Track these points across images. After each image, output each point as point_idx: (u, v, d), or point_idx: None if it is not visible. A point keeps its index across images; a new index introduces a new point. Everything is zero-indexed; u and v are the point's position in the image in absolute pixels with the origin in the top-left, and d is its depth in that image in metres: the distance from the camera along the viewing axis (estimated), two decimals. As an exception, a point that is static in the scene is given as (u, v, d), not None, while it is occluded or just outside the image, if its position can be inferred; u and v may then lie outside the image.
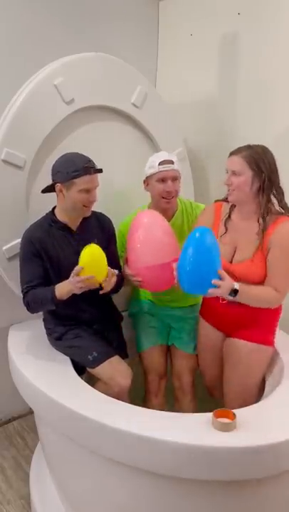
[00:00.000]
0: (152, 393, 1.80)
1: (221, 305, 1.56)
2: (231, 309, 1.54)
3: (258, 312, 1.51)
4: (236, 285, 1.38)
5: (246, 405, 1.42)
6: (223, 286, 1.36)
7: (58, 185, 1.50)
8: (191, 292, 1.46)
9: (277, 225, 1.42)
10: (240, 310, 1.51)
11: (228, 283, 1.37)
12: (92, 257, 1.43)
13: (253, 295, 1.44)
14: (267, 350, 1.56)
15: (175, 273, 1.46)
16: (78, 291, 1.44)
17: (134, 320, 1.94)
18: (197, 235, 1.37)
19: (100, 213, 1.69)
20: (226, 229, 1.54)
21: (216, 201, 1.64)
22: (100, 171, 1.51)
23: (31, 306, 1.53)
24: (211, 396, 1.82)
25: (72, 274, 1.42)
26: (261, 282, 1.46)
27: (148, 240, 1.58)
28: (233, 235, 1.52)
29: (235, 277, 1.44)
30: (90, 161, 1.50)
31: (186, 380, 1.81)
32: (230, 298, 1.39)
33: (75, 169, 1.46)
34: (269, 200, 1.44)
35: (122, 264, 1.71)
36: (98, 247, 1.44)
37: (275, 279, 1.43)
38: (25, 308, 1.54)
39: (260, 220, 1.45)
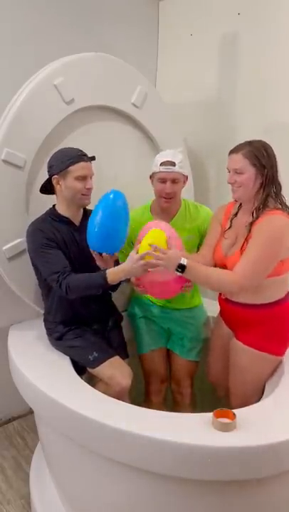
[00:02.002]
0: (152, 394, 1.80)
1: (222, 300, 1.57)
2: (231, 306, 1.53)
3: (264, 316, 1.48)
4: (184, 261, 1.40)
5: (247, 404, 1.42)
6: (166, 260, 1.40)
7: (55, 178, 1.53)
8: (99, 249, 1.51)
9: (265, 217, 1.40)
10: (240, 309, 1.50)
11: (173, 257, 1.40)
12: (156, 233, 1.47)
13: (203, 275, 1.45)
14: (272, 360, 1.51)
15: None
16: (139, 271, 1.42)
17: (133, 321, 1.94)
18: (111, 196, 1.47)
19: None
20: (231, 225, 1.55)
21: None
22: (93, 158, 1.55)
23: (72, 289, 1.45)
24: (215, 392, 1.80)
25: (132, 254, 1.42)
26: None
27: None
28: (235, 230, 1.53)
29: (229, 270, 1.45)
30: (81, 150, 1.54)
31: (185, 384, 1.82)
32: (178, 273, 1.41)
33: (69, 157, 1.50)
34: (268, 195, 1.43)
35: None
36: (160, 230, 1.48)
37: (240, 263, 1.40)
38: (25, 308, 1.54)
39: (254, 213, 1.43)
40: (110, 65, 1.86)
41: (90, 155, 1.55)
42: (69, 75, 1.71)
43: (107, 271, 1.44)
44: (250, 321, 1.50)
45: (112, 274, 1.43)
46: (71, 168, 1.50)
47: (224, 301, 1.57)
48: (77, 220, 1.62)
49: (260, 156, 1.40)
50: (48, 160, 1.57)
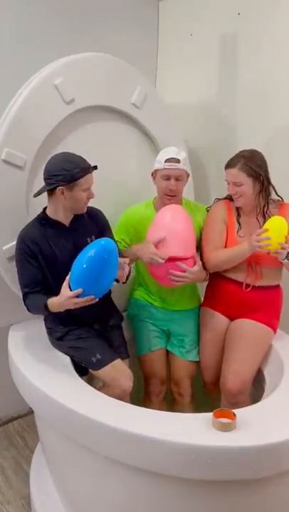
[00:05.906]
0: (152, 394, 1.80)
1: (237, 289, 1.70)
2: (253, 292, 1.68)
3: (268, 296, 1.71)
4: None
5: (244, 385, 1.54)
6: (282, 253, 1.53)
7: (61, 189, 1.48)
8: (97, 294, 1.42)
9: (284, 211, 1.65)
10: (261, 292, 1.69)
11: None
12: (282, 223, 1.53)
13: None
14: (271, 334, 1.68)
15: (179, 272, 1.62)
16: (70, 305, 1.41)
17: (132, 322, 1.93)
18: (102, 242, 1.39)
19: (90, 207, 1.68)
20: (240, 224, 1.71)
21: (224, 199, 1.78)
22: (95, 167, 1.53)
23: (31, 310, 1.55)
24: (208, 390, 1.83)
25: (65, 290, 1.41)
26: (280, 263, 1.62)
27: (173, 233, 1.64)
28: (246, 230, 1.69)
29: (260, 263, 1.65)
30: (85, 159, 1.51)
31: (185, 385, 1.81)
32: (286, 261, 1.54)
33: (79, 170, 1.46)
34: (269, 195, 1.65)
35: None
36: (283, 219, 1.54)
37: None
38: (25, 308, 1.55)
39: (267, 212, 1.65)
40: (110, 65, 1.85)
41: (89, 154, 1.52)
42: (69, 75, 1.71)
43: (48, 300, 1.45)
44: (260, 302, 1.70)
45: (50, 303, 1.45)
46: (80, 180, 1.47)
47: (245, 292, 1.68)
48: (67, 221, 1.59)
49: (254, 166, 1.59)
50: (47, 158, 1.53)
